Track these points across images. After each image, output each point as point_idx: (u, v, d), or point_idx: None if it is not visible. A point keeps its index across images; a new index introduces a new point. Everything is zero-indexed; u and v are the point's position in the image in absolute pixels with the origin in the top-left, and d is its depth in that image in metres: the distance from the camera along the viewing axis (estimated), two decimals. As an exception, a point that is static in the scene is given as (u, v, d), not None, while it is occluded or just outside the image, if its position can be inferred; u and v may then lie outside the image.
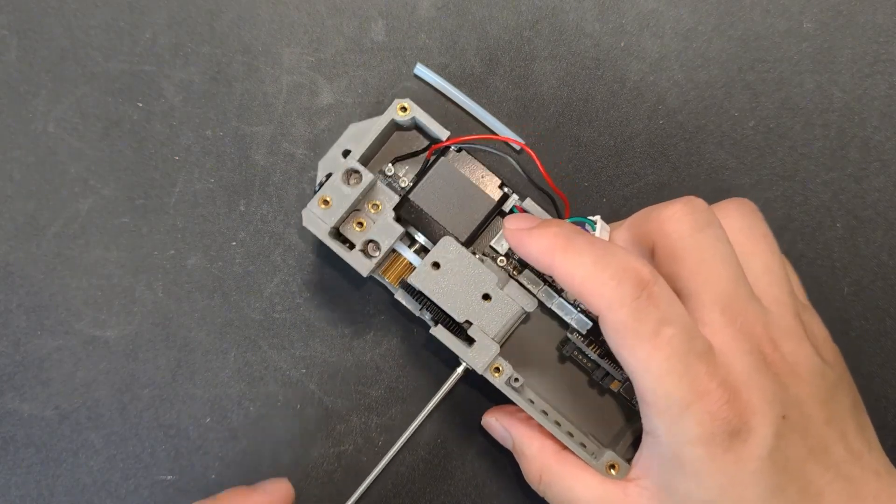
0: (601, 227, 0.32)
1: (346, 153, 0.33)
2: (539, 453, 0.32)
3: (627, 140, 0.38)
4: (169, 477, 0.34)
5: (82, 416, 0.34)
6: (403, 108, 0.33)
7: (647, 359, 0.27)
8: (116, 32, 0.36)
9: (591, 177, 0.37)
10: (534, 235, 0.29)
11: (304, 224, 0.32)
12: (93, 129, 0.36)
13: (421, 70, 0.36)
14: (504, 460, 0.36)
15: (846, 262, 0.38)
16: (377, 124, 0.33)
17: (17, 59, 0.36)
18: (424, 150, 0.34)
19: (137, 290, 0.35)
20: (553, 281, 0.33)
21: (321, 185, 0.33)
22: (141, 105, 0.36)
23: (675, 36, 0.38)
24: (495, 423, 0.34)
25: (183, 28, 0.37)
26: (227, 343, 0.35)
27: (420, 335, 0.36)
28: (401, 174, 0.34)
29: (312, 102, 0.37)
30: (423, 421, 0.35)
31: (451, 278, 0.32)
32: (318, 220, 0.32)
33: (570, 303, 0.33)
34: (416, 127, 0.35)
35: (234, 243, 0.36)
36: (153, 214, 0.36)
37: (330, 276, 0.36)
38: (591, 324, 0.33)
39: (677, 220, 0.29)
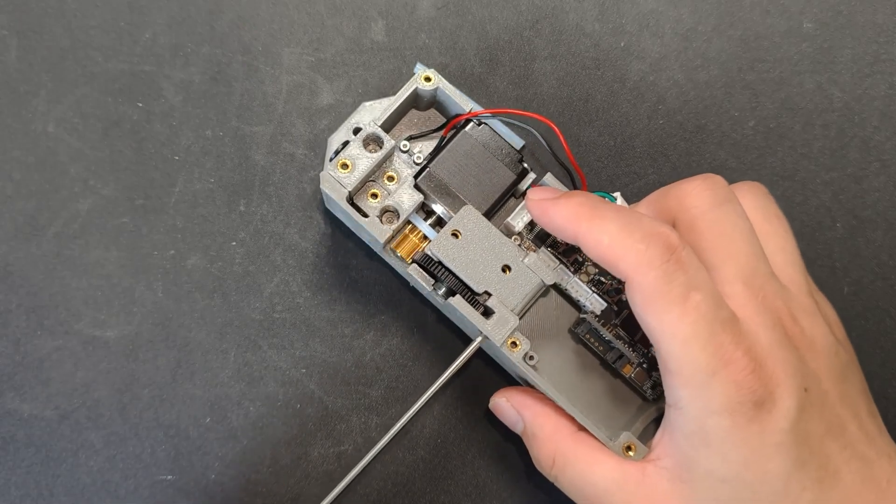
0: (621, 203, 0.32)
1: (356, 131, 0.33)
2: (553, 434, 0.31)
3: (627, 140, 0.38)
4: (169, 477, 0.34)
5: (82, 416, 0.34)
6: (427, 78, 0.33)
7: (674, 323, 0.27)
8: (116, 32, 0.36)
9: (592, 177, 0.37)
10: (559, 204, 0.29)
11: (322, 186, 0.32)
12: (93, 129, 0.36)
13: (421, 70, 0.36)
14: (505, 460, 0.36)
15: (846, 262, 0.38)
16: (400, 93, 0.33)
17: (17, 59, 0.36)
18: (440, 128, 0.34)
19: (137, 290, 0.35)
20: (570, 260, 0.33)
21: (336, 153, 0.32)
22: (141, 105, 0.36)
23: (675, 36, 0.38)
24: (505, 403, 0.33)
25: (183, 28, 0.37)
26: (227, 343, 0.35)
27: (420, 335, 0.36)
28: (416, 151, 0.34)
29: (312, 102, 0.37)
30: (423, 420, 0.35)
31: (471, 248, 0.31)
32: (336, 182, 0.31)
33: (585, 283, 0.33)
34: (435, 103, 0.34)
35: (234, 243, 0.36)
36: (153, 214, 0.36)
37: (330, 276, 0.36)
38: (605, 304, 0.33)
39: (697, 194, 0.30)
